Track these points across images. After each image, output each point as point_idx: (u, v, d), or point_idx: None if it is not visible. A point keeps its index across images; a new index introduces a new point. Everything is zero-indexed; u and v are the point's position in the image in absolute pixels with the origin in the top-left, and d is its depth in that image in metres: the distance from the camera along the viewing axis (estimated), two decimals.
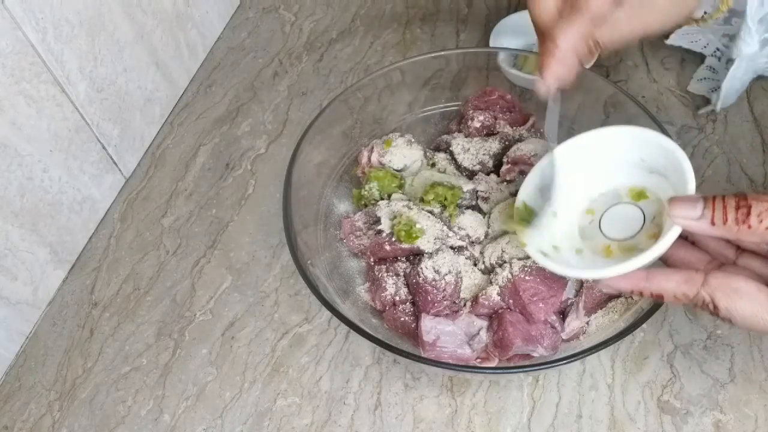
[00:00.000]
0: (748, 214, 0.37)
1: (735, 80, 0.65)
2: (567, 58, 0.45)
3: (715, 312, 0.39)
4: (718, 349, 0.55)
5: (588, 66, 0.46)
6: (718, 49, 0.70)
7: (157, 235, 0.68)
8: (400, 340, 0.53)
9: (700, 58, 0.73)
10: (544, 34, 0.45)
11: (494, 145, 0.61)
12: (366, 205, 0.60)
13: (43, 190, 0.60)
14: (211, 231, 0.67)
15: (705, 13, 0.60)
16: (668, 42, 0.72)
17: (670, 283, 0.40)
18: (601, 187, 0.48)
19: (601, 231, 0.46)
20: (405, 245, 0.54)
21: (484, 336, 0.52)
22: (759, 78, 0.71)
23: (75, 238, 0.66)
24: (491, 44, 0.74)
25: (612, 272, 0.41)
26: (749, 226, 0.37)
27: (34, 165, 0.58)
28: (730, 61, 0.66)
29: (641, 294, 0.41)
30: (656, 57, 0.77)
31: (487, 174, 0.60)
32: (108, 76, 0.66)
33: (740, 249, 0.43)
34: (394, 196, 0.59)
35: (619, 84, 0.71)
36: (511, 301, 0.51)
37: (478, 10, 0.85)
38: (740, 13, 0.58)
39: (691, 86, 0.73)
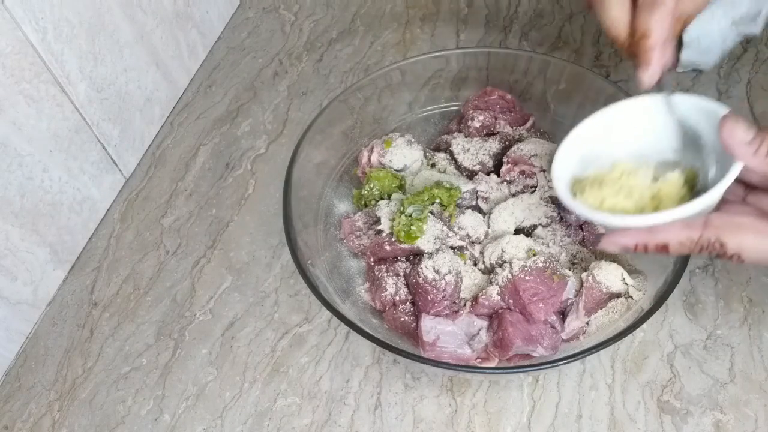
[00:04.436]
0: None
1: (713, 21, 0.62)
2: (664, 45, 0.44)
3: (722, 251, 0.39)
4: (718, 349, 0.55)
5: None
6: None
7: (157, 235, 0.68)
8: (400, 340, 0.53)
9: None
10: (631, 34, 0.45)
11: (494, 145, 0.61)
12: (366, 205, 0.60)
13: (43, 190, 0.60)
14: (211, 231, 0.67)
15: None
16: None
17: (672, 231, 0.40)
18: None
19: None
20: (405, 245, 0.54)
21: (484, 336, 0.52)
22: (759, 77, 0.71)
23: (75, 238, 0.66)
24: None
25: (663, 217, 0.40)
26: None
27: (34, 165, 0.58)
28: None
29: (645, 249, 0.41)
30: None
31: (487, 174, 0.60)
32: (108, 76, 0.66)
33: (748, 187, 0.43)
34: (394, 196, 0.59)
35: (619, 84, 0.70)
36: (511, 301, 0.51)
37: (478, 10, 0.85)
38: None
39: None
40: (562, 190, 0.45)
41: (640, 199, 0.44)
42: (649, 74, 0.44)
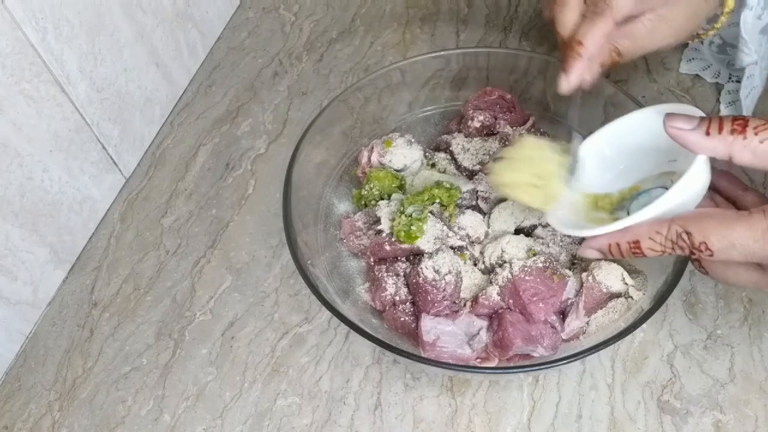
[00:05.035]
0: (745, 126, 0.37)
1: (757, 88, 0.66)
2: (591, 59, 0.47)
3: (690, 242, 0.39)
4: (718, 349, 0.55)
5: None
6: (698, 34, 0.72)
7: (157, 235, 0.68)
8: (400, 340, 0.53)
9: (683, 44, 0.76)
10: (569, 39, 0.48)
11: (494, 145, 0.61)
12: (366, 205, 0.60)
13: (43, 190, 0.60)
14: (211, 231, 0.67)
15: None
16: None
17: (641, 227, 0.40)
18: (628, 181, 0.48)
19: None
20: (405, 245, 0.54)
21: (484, 336, 0.52)
22: None
23: (75, 238, 0.66)
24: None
25: (630, 220, 0.40)
26: (744, 137, 0.37)
27: (34, 165, 0.58)
28: (712, 44, 0.71)
29: (619, 248, 0.41)
30: (656, 57, 0.77)
31: (487, 174, 0.60)
32: (108, 76, 0.66)
33: (743, 188, 0.44)
34: (394, 196, 0.59)
35: (619, 84, 0.70)
36: (511, 301, 0.51)
37: (478, 10, 0.85)
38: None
39: (682, 68, 0.75)
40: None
41: (534, 175, 0.47)
42: (568, 81, 0.48)
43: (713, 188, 0.44)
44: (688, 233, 0.38)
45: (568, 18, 0.48)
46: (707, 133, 0.38)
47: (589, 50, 0.46)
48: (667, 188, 0.47)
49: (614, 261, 0.53)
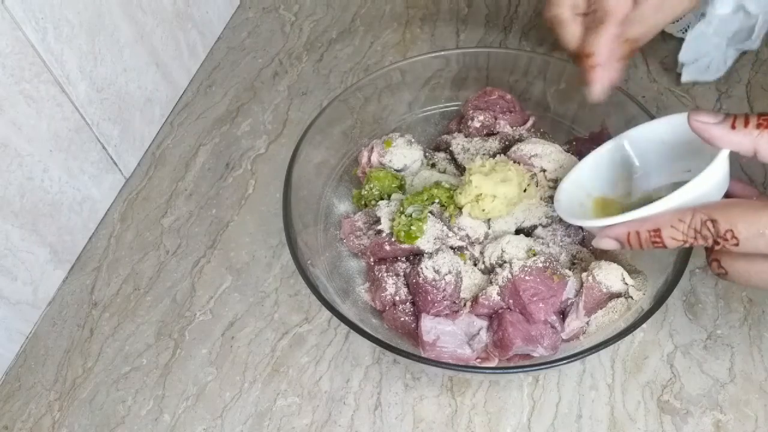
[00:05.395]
0: None
1: (706, 41, 0.64)
2: (608, 63, 0.48)
3: (716, 230, 0.37)
4: (718, 349, 0.55)
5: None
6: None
7: (157, 235, 0.68)
8: (400, 340, 0.53)
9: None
10: (580, 53, 0.49)
11: (494, 145, 0.61)
12: (366, 205, 0.60)
13: (43, 190, 0.60)
14: (211, 231, 0.67)
15: None
16: None
17: (664, 216, 0.39)
18: (641, 189, 0.48)
19: None
20: (405, 245, 0.54)
21: (484, 336, 0.52)
22: (759, 77, 0.71)
23: (75, 238, 0.66)
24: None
25: (651, 209, 0.39)
26: None
27: (34, 165, 0.58)
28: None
29: (638, 237, 0.40)
30: (656, 57, 0.77)
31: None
32: (108, 76, 0.66)
33: (758, 194, 0.43)
34: (394, 196, 0.59)
35: (619, 84, 0.71)
36: (511, 301, 0.51)
37: (478, 10, 0.85)
38: None
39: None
40: (563, 209, 0.49)
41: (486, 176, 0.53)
42: (595, 92, 0.49)
43: (727, 197, 0.43)
44: (713, 221, 0.37)
45: (570, 34, 0.50)
46: (733, 127, 0.37)
47: (602, 57, 0.47)
48: None
49: (614, 261, 0.53)
